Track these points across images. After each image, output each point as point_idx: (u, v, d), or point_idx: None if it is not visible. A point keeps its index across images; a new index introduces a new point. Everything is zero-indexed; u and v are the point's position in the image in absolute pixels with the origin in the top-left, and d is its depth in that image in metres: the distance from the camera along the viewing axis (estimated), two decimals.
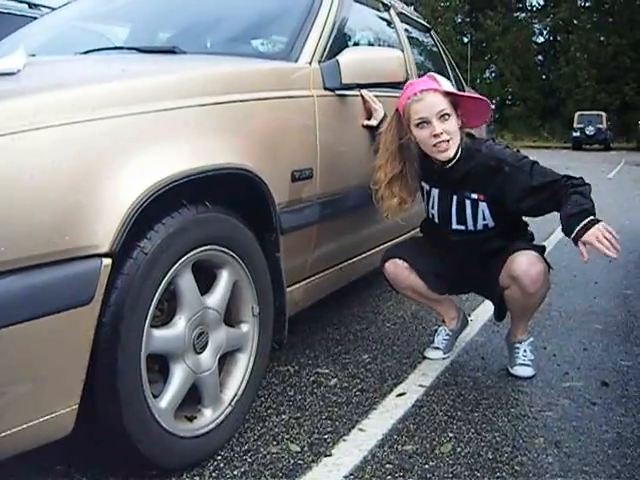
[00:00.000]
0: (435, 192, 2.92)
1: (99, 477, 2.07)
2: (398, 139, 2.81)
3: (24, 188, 1.56)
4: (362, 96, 3.12)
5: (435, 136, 2.69)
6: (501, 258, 2.82)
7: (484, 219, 2.84)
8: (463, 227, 2.88)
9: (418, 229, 3.43)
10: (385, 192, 2.88)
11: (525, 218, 3.02)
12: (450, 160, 2.77)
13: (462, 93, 2.76)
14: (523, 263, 2.74)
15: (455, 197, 2.85)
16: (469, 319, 3.50)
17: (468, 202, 2.83)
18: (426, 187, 2.96)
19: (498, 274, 2.83)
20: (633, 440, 2.42)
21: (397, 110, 2.83)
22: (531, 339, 3.05)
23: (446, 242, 2.98)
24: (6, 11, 5.04)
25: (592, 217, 2.53)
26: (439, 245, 3.04)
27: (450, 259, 3.00)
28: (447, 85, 2.80)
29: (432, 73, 2.87)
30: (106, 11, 3.71)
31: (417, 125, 2.72)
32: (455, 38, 42.70)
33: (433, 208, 2.95)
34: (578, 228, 2.52)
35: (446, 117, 2.70)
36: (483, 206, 2.81)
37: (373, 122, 3.14)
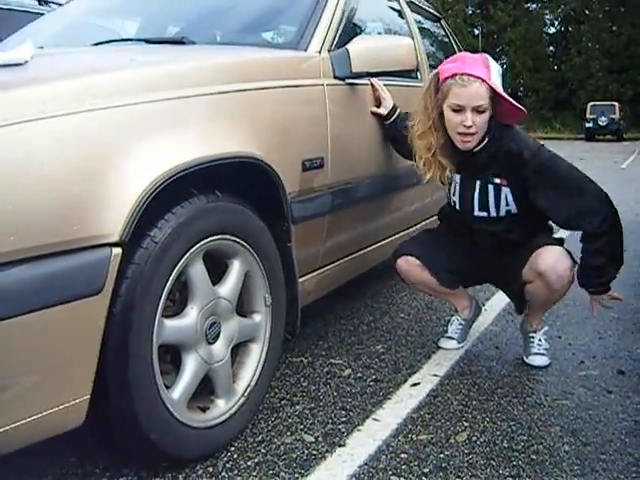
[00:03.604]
0: (457, 178, 2.86)
1: (112, 468, 2.07)
2: (437, 107, 2.71)
3: (32, 177, 1.55)
4: (372, 84, 3.09)
5: (464, 126, 2.63)
6: (524, 251, 2.78)
7: (507, 204, 2.78)
8: (485, 214, 2.82)
9: (432, 218, 3.41)
10: (431, 163, 2.81)
11: None
12: (473, 147, 2.72)
13: (505, 96, 2.65)
14: (550, 259, 2.70)
15: (478, 182, 2.79)
16: (483, 309, 3.48)
17: (491, 187, 2.77)
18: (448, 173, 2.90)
19: (521, 267, 2.79)
20: None
21: (437, 75, 2.72)
22: (546, 328, 3.03)
23: (466, 230, 2.94)
24: (17, 8, 5.04)
25: (604, 286, 2.74)
26: (458, 234, 2.99)
27: (468, 249, 2.96)
28: (496, 74, 2.68)
29: (487, 56, 2.74)
30: (115, 5, 3.70)
31: (450, 107, 2.65)
32: (466, 30, 42.61)
33: (455, 195, 2.90)
34: (593, 291, 2.77)
35: (481, 111, 2.63)
36: (506, 191, 2.75)
37: (382, 110, 3.11)
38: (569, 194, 2.67)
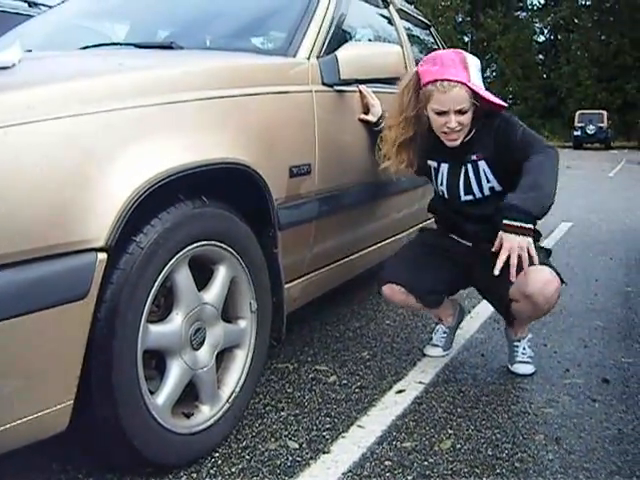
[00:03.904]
0: (445, 167, 2.88)
1: (95, 474, 2.06)
2: (415, 106, 2.76)
3: (17, 182, 1.55)
4: (360, 91, 3.10)
5: (449, 128, 2.67)
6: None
7: (488, 181, 2.78)
8: (471, 197, 2.84)
9: (419, 225, 3.41)
10: (390, 153, 2.88)
11: None
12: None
13: (486, 95, 2.68)
14: (538, 281, 2.61)
15: (463, 167, 2.82)
16: (469, 316, 3.49)
17: (470, 166, 2.79)
18: (434, 164, 2.92)
19: (508, 286, 2.71)
20: (634, 437, 2.41)
21: (417, 75, 2.75)
22: (530, 335, 3.03)
23: (459, 216, 2.94)
24: (5, 10, 5.02)
25: (524, 223, 2.51)
26: (450, 227, 3.01)
27: (458, 251, 2.97)
28: (475, 72, 2.71)
29: (464, 53, 2.76)
30: (104, 8, 3.69)
31: (434, 111, 2.69)
32: (456, 37, 42.69)
33: (442, 184, 2.91)
34: (506, 222, 2.53)
35: (464, 112, 2.66)
36: (483, 165, 2.77)
37: (371, 118, 3.12)
38: (529, 144, 2.69)
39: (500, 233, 2.54)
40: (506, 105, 2.77)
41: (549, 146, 2.70)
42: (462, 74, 2.65)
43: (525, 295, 2.66)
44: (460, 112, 2.65)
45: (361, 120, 3.11)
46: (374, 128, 3.12)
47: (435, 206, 3.12)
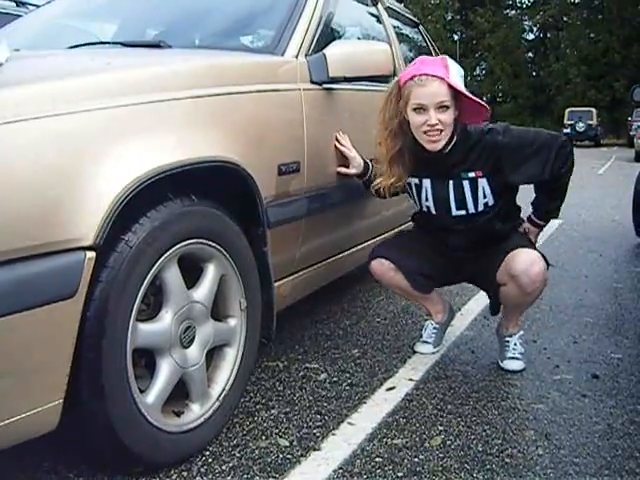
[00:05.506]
0: (427, 183, 2.86)
1: (86, 473, 2.06)
2: (397, 113, 2.73)
3: (5, 181, 1.54)
4: (336, 143, 2.98)
5: (429, 125, 2.64)
6: (499, 252, 2.81)
7: (484, 197, 2.79)
8: (464, 212, 2.84)
9: (409, 223, 3.41)
10: (384, 169, 2.85)
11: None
12: (444, 147, 2.73)
13: (466, 93, 2.67)
14: (524, 262, 2.72)
15: (452, 182, 2.80)
16: (459, 313, 3.49)
17: (466, 183, 2.78)
18: (415, 181, 2.89)
19: (495, 269, 2.82)
20: (623, 431, 2.42)
21: (398, 81, 2.74)
22: (521, 332, 3.04)
23: (444, 232, 2.95)
24: None
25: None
26: (435, 236, 3.00)
27: (444, 250, 2.97)
28: (456, 73, 2.70)
29: (446, 57, 2.78)
30: (92, 8, 3.69)
31: (414, 109, 2.67)
32: (445, 36, 42.74)
33: (427, 200, 2.89)
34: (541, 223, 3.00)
35: (444, 108, 2.64)
36: (483, 182, 2.77)
37: (353, 170, 3.03)
38: (540, 153, 2.77)
39: (528, 225, 3.00)
40: (488, 108, 2.77)
41: (555, 137, 2.82)
42: (441, 71, 2.65)
43: (511, 276, 2.75)
44: (441, 107, 2.63)
45: (343, 174, 3.03)
46: (362, 180, 3.07)
47: (419, 220, 3.13)
